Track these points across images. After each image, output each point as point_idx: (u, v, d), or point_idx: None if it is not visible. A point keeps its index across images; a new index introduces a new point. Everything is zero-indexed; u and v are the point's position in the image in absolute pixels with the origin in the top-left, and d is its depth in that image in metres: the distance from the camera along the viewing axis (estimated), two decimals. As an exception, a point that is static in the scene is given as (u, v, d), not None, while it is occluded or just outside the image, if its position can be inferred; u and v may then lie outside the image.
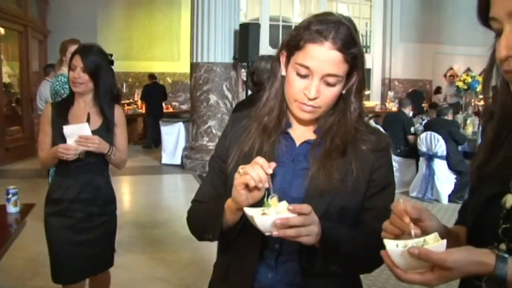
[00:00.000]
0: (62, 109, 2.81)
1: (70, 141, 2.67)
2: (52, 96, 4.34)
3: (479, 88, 9.83)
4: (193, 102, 9.12)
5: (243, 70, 9.78)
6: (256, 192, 1.23)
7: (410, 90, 13.81)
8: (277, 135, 1.42)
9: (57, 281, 2.87)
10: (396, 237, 1.04)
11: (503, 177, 1.00)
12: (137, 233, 5.54)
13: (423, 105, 12.54)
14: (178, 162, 9.57)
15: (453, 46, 14.21)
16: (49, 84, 5.23)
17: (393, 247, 0.96)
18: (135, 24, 13.18)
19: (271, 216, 1.17)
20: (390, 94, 13.87)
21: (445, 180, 7.17)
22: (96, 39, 10.42)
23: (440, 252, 0.89)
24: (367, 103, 13.05)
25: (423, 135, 7.28)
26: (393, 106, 12.59)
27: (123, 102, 12.14)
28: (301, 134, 1.44)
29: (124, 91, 12.90)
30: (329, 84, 1.33)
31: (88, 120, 2.75)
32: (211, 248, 1.72)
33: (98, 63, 2.74)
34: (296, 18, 13.37)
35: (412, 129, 7.85)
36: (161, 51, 13.47)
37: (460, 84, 10.07)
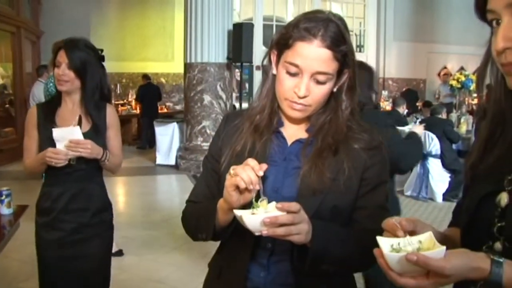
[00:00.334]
0: (49, 111, 2.58)
1: (60, 146, 2.41)
2: (46, 98, 4.31)
3: (472, 86, 9.88)
4: (187, 103, 9.11)
5: (237, 70, 9.78)
6: (247, 193, 1.23)
7: (404, 89, 13.85)
8: (269, 134, 1.42)
9: None
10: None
11: (497, 176, 0.99)
12: (132, 234, 5.52)
13: (417, 104, 12.57)
14: (173, 162, 9.56)
15: (446, 45, 14.25)
16: (42, 85, 5.20)
17: (388, 249, 0.95)
18: (128, 24, 13.14)
19: (260, 215, 1.16)
20: (384, 93, 13.88)
21: (439, 178, 7.18)
22: (90, 39, 10.35)
23: (438, 259, 0.88)
24: (361, 102, 13.04)
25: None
26: (387, 105, 12.61)
27: (117, 102, 12.13)
28: (293, 133, 1.44)
29: (118, 92, 12.87)
30: (319, 82, 1.33)
31: (79, 123, 2.50)
32: (206, 249, 1.72)
33: (85, 59, 2.49)
34: (290, 17, 13.35)
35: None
36: (154, 51, 13.43)
37: (454, 83, 10.11)
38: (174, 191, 8.30)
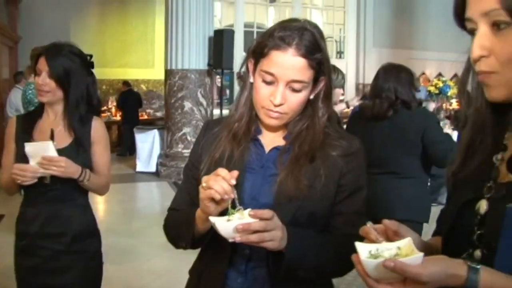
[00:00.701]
0: (28, 123, 2.33)
1: (33, 162, 2.15)
2: (25, 105, 4.24)
3: (450, 92, 9.99)
4: (167, 109, 9.08)
5: (217, 76, 9.77)
6: (223, 202, 1.24)
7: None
8: (246, 142, 1.43)
9: None
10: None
11: (477, 183, 1.00)
12: (111, 242, 5.44)
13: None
14: (153, 169, 9.51)
15: (425, 51, 14.43)
16: (20, 92, 5.13)
17: (366, 255, 0.95)
18: (108, 30, 13.06)
19: (232, 222, 1.18)
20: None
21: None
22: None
23: (415, 265, 0.88)
24: (341, 108, 13.14)
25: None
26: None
27: (97, 109, 12.00)
28: (270, 140, 1.45)
29: (98, 98, 12.75)
30: (294, 90, 1.34)
31: (52, 137, 2.22)
32: (186, 257, 1.71)
33: (68, 67, 2.24)
34: (271, 24, 13.35)
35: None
36: (135, 57, 13.36)
37: (432, 88, 10.22)
38: (155, 199, 8.25)
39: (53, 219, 2.28)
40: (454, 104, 10.28)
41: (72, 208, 2.33)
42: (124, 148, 11.89)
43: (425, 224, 3.03)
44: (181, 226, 1.41)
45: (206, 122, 1.62)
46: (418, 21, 14.56)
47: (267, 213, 1.18)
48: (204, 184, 1.24)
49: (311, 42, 1.31)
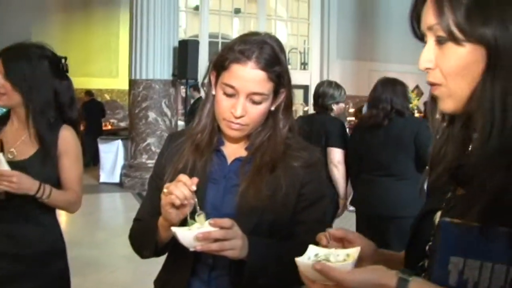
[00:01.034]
0: None
1: None
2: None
3: (415, 102, 10.21)
4: (131, 120, 9.00)
5: (182, 87, 9.75)
6: (184, 208, 1.26)
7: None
8: (209, 153, 1.45)
9: None
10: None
11: (439, 194, 1.01)
12: (74, 254, 5.32)
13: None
14: (117, 180, 9.38)
15: (387, 63, 14.68)
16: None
17: (312, 258, 0.99)
18: (71, 39, 12.81)
19: (193, 231, 1.19)
20: (328, 110, 14.14)
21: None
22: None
23: (342, 271, 0.90)
24: (306, 119, 13.27)
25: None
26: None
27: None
28: (233, 151, 1.48)
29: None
30: (255, 102, 1.37)
31: (1, 149, 2.01)
32: (151, 268, 1.72)
33: (26, 69, 2.04)
34: (235, 35, 13.41)
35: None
36: (98, 67, 13.18)
37: (394, 99, 10.42)
38: (118, 210, 8.14)
39: (6, 238, 2.05)
40: (416, 115, 10.51)
41: (32, 226, 2.09)
42: (87, 158, 11.71)
43: None
44: (145, 235, 1.43)
45: (170, 134, 1.64)
46: (380, 34, 14.85)
47: (226, 222, 1.21)
48: (165, 190, 1.26)
49: (270, 56, 1.35)
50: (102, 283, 4.62)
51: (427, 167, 1.11)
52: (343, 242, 1.08)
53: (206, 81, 1.48)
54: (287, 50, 11.43)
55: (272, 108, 1.43)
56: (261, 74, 1.34)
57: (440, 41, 0.90)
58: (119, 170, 9.44)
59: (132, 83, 8.87)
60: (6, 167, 1.94)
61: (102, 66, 13.21)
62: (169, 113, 8.84)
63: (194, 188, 1.24)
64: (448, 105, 0.94)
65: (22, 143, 2.11)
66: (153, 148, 8.65)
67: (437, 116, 1.03)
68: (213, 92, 1.44)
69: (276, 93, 1.41)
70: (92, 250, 5.57)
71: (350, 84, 14.99)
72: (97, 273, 4.86)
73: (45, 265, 2.10)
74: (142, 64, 8.69)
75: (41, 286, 2.09)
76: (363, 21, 14.85)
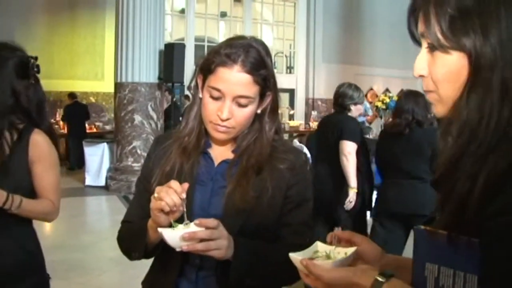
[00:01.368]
0: None
1: None
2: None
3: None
4: (117, 122, 8.97)
5: (166, 92, 9.75)
6: (173, 213, 1.27)
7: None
8: (196, 156, 1.47)
9: None
10: None
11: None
12: (60, 258, 5.33)
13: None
14: (103, 183, 9.34)
15: (372, 67, 14.83)
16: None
17: (304, 254, 1.04)
18: (57, 41, 12.74)
19: (179, 231, 1.22)
20: (314, 113, 14.22)
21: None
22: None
23: (322, 267, 0.96)
24: (291, 123, 13.33)
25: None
26: (317, 126, 12.87)
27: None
28: (220, 153, 1.50)
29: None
30: (241, 105, 1.39)
31: None
32: (138, 271, 1.73)
33: None
34: (221, 38, 13.50)
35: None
36: (84, 69, 13.10)
37: (379, 104, 10.49)
38: (104, 213, 8.11)
39: None
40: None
41: (5, 240, 1.90)
42: (72, 161, 11.64)
43: None
44: (134, 236, 1.44)
45: (156, 137, 1.66)
46: (366, 38, 14.97)
47: (212, 222, 1.23)
48: (156, 195, 1.27)
49: (256, 59, 1.37)
50: (88, 287, 4.60)
51: None
52: (351, 243, 1.10)
53: (193, 84, 1.50)
54: (273, 54, 11.48)
55: (259, 111, 1.45)
56: (247, 78, 1.36)
57: (431, 48, 0.92)
58: (105, 173, 9.38)
59: (118, 86, 8.84)
60: None
61: (87, 69, 13.15)
62: (155, 116, 8.82)
63: (184, 196, 1.26)
64: (442, 110, 0.96)
65: None
66: (138, 151, 8.63)
67: None
68: (200, 95, 1.45)
69: (262, 96, 1.43)
70: (77, 253, 5.55)
71: (335, 88, 15.08)
72: (83, 276, 4.84)
73: (17, 281, 1.91)
74: (128, 67, 8.67)
75: None
76: (349, 25, 14.96)
